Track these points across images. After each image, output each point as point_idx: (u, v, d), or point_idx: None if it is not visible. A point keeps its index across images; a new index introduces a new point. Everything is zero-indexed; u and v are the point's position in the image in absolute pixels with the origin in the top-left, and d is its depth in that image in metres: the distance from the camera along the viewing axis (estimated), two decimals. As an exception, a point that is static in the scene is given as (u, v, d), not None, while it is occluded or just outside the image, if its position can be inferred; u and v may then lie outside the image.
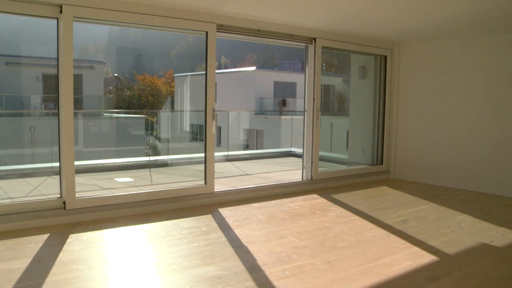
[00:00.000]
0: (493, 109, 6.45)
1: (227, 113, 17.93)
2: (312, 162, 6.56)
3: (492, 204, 5.88)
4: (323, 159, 9.17)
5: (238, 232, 4.39)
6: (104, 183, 7.23)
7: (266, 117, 26.42)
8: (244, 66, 41.14)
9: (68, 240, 4.02)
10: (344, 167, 7.98)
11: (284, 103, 29.79)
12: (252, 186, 6.20)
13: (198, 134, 22.81)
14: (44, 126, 5.37)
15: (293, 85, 30.80)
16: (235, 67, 40.73)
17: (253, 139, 22.50)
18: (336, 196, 6.14)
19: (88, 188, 6.59)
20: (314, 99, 6.44)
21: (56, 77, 4.49)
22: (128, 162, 8.50)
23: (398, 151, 7.63)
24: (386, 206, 5.72)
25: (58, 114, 4.50)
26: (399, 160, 7.63)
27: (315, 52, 6.35)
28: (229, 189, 5.98)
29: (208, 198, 5.57)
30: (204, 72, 5.43)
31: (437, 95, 7.06)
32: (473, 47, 6.60)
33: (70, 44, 4.43)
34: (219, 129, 21.62)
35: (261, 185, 6.26)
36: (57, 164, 4.59)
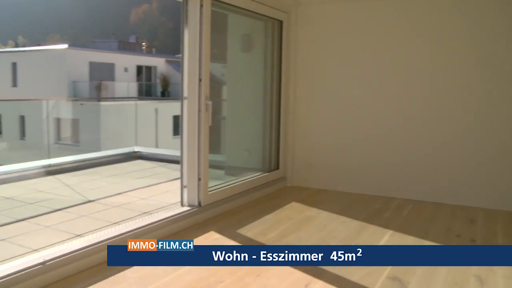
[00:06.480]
0: (428, 92, 4.95)
1: (38, 102, 13.71)
2: (199, 179, 4.17)
3: (456, 220, 4.40)
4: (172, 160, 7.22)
5: None
6: None
7: (81, 104, 22.54)
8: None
9: None
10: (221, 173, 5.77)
11: (100, 86, 26.20)
12: (103, 239, 3.23)
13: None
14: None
15: (111, 66, 27.17)
16: (39, 45, 34.41)
17: (72, 132, 18.58)
18: (244, 231, 3.91)
19: None
20: (200, 80, 4.02)
21: None
22: None
23: (296, 149, 5.71)
24: (333, 242, 3.72)
25: None
26: (298, 162, 5.73)
27: (201, 5, 3.91)
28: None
29: None
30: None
31: (350, 73, 5.31)
32: (401, 7, 4.99)
33: None
34: (21, 119, 17.24)
35: (121, 233, 3.34)
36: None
